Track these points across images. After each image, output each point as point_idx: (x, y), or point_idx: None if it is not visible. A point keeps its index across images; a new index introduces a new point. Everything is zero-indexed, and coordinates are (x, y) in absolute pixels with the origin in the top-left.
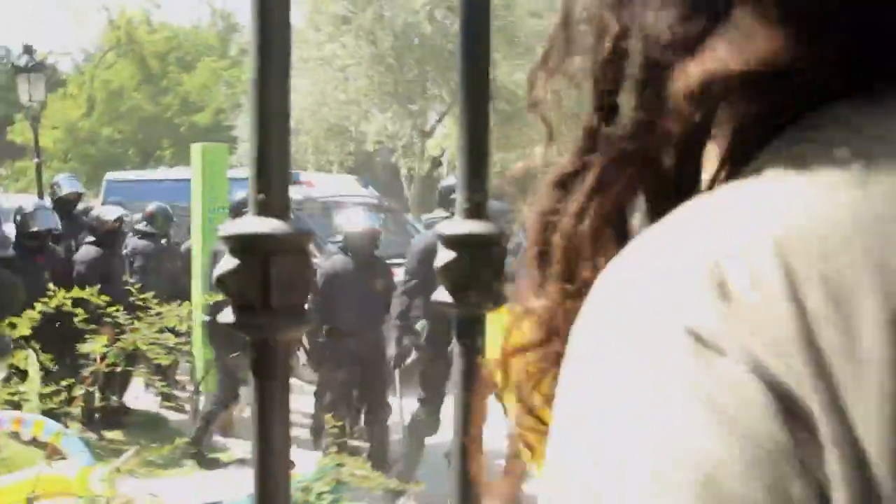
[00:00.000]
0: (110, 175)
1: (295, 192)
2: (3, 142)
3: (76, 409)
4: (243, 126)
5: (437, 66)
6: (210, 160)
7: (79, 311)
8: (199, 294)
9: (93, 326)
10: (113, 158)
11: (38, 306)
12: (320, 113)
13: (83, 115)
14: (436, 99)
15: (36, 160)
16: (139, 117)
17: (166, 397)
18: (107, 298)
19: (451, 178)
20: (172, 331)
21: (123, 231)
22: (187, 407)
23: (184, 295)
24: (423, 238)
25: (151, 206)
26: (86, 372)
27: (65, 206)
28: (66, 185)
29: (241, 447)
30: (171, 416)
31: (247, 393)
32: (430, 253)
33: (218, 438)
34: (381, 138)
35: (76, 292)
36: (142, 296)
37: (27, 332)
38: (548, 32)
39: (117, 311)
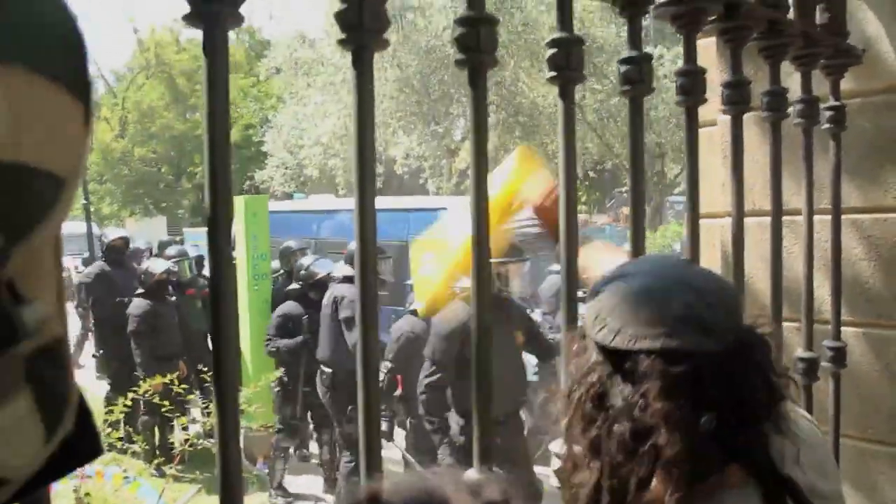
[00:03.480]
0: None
1: None
2: None
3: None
4: (272, 142)
5: (461, 86)
6: (252, 211)
7: (164, 402)
8: (248, 335)
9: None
10: (147, 177)
11: (129, 394)
12: (349, 135)
13: (116, 136)
14: (460, 117)
15: (84, 202)
16: (170, 136)
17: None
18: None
19: None
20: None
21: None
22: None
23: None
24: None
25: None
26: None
27: (114, 253)
28: (112, 233)
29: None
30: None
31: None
32: None
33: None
34: (409, 159)
35: (158, 379)
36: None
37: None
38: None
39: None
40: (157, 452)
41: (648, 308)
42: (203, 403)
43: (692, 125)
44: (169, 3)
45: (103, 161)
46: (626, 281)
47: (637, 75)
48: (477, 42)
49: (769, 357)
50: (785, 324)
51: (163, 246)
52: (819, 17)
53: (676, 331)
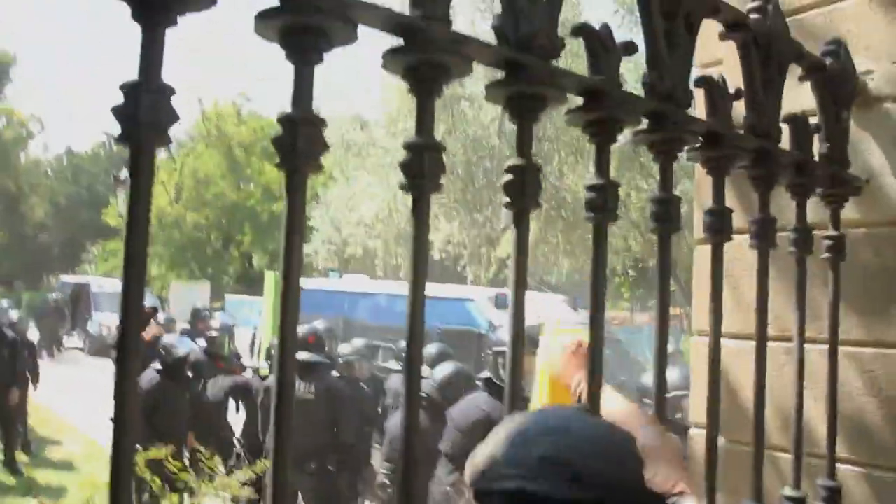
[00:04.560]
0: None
1: (500, 319)
2: (98, 221)
3: None
4: (319, 217)
5: None
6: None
7: (155, 479)
8: None
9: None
10: (196, 242)
11: None
12: (391, 218)
13: (171, 201)
14: (503, 206)
15: None
16: (223, 204)
17: None
18: (178, 464)
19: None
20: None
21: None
22: None
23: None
24: None
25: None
26: None
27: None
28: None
29: None
30: None
31: None
32: None
33: None
34: (448, 246)
35: (154, 453)
36: (209, 460)
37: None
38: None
39: (186, 474)
40: None
41: (514, 448)
42: (196, 483)
43: (664, 252)
44: (234, 78)
45: (157, 224)
46: (512, 424)
47: (602, 203)
48: (421, 169)
49: None
50: (781, 455)
51: (196, 314)
52: (819, 146)
53: (536, 473)
